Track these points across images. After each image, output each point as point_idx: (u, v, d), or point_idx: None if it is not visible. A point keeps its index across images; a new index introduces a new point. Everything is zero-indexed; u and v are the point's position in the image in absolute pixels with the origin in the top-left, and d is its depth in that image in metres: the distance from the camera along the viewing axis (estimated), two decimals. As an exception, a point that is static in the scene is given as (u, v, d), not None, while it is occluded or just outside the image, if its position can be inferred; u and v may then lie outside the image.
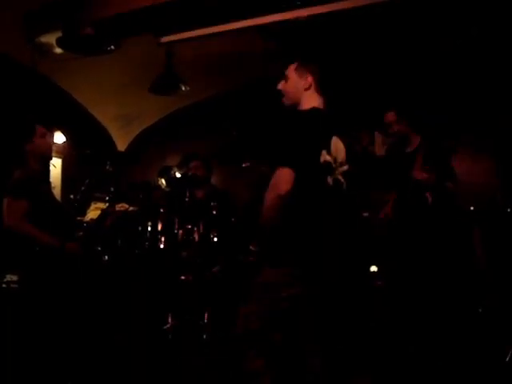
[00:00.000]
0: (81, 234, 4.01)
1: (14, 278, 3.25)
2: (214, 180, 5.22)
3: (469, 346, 3.56)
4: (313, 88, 2.63)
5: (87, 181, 4.21)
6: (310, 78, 2.62)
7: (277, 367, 2.38)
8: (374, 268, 4.37)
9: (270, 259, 2.46)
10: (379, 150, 5.35)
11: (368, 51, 4.99)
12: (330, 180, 2.45)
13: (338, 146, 2.51)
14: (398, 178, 4.05)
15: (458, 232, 4.12)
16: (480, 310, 3.92)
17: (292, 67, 2.67)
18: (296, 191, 2.30)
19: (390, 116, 4.06)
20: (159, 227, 4.29)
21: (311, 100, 2.60)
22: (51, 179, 4.00)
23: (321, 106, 2.61)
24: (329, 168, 2.44)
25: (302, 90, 2.63)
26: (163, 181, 5.14)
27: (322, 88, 2.63)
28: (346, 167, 2.53)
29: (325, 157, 2.42)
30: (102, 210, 4.25)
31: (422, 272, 3.73)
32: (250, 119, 5.85)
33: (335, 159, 2.48)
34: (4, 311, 3.18)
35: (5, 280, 3.26)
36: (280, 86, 2.70)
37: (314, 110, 2.56)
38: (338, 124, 2.57)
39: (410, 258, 3.82)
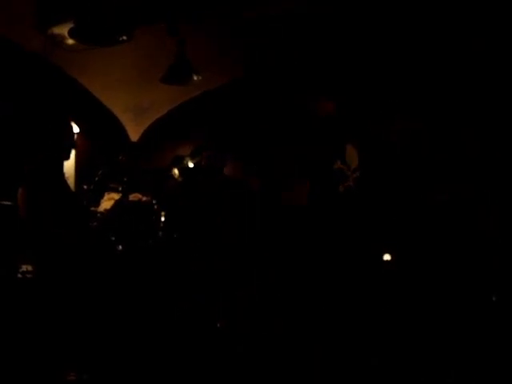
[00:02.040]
0: (95, 224, 4.03)
1: (30, 268, 3.28)
2: (226, 170, 5.22)
3: (483, 335, 3.54)
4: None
5: (100, 171, 4.22)
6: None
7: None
8: (387, 257, 4.34)
9: None
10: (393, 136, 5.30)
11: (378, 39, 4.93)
12: (341, 188, 2.44)
13: (351, 153, 2.50)
14: None
15: (473, 218, 4.09)
16: (494, 299, 3.90)
17: None
18: (309, 199, 2.30)
19: None
20: (173, 217, 4.30)
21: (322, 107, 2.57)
22: (65, 169, 4.01)
23: (332, 113, 2.58)
24: (342, 175, 2.43)
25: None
26: (176, 171, 5.15)
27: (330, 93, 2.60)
28: (358, 173, 2.52)
29: (338, 165, 2.41)
30: (116, 201, 4.27)
31: (435, 259, 3.71)
32: (263, 109, 5.83)
33: (349, 166, 2.47)
34: (20, 301, 3.22)
35: (20, 270, 3.30)
36: None
37: (327, 117, 2.53)
38: (351, 130, 2.55)
39: (424, 244, 3.81)
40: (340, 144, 2.50)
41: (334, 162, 2.43)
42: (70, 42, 4.60)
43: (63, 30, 4.48)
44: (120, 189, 4.35)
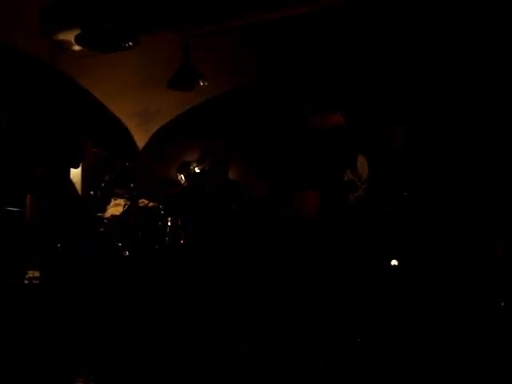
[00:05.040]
0: (101, 229, 4.04)
1: (36, 273, 3.29)
2: (231, 175, 5.22)
3: (490, 341, 3.51)
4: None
5: (107, 177, 4.23)
6: None
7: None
8: (394, 262, 4.33)
9: None
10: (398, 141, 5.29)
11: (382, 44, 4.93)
12: (352, 197, 2.43)
13: (363, 163, 2.49)
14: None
15: (478, 225, 4.07)
16: (502, 304, 3.87)
17: None
18: (320, 210, 2.30)
19: None
20: (178, 222, 4.30)
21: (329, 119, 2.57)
22: (72, 175, 4.03)
23: (342, 124, 2.57)
24: (353, 186, 2.43)
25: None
26: (182, 176, 5.16)
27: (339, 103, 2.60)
28: (368, 184, 2.51)
29: (349, 175, 2.41)
30: (123, 207, 4.28)
31: (440, 265, 3.70)
32: (268, 115, 5.83)
33: (360, 177, 2.47)
34: (27, 305, 3.23)
35: (27, 276, 3.31)
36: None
37: (336, 129, 2.53)
38: (361, 141, 2.54)
39: (429, 250, 3.80)
40: (351, 155, 2.49)
41: (344, 173, 2.43)
42: (77, 48, 4.61)
43: (69, 36, 4.49)
44: (126, 195, 4.36)
